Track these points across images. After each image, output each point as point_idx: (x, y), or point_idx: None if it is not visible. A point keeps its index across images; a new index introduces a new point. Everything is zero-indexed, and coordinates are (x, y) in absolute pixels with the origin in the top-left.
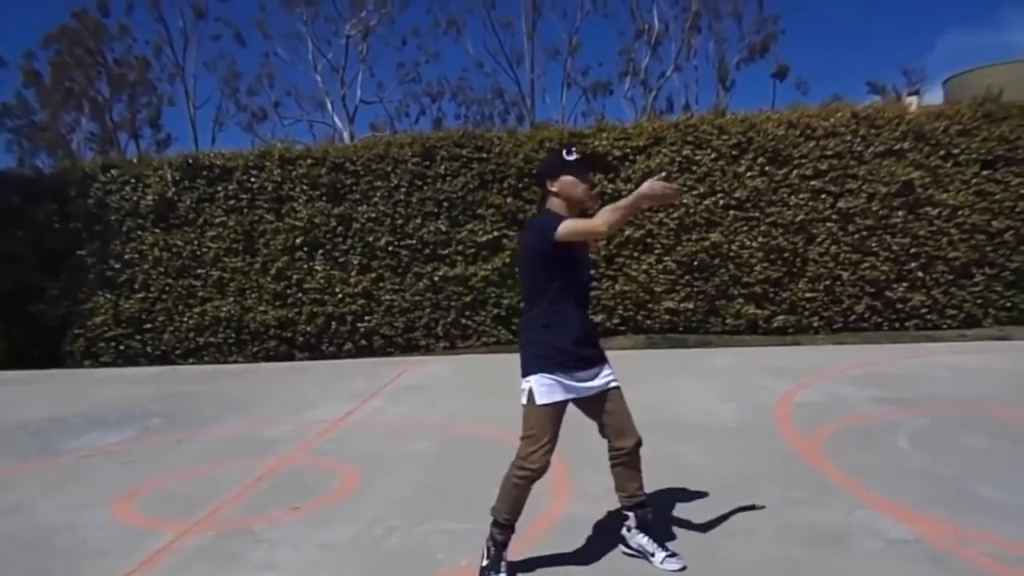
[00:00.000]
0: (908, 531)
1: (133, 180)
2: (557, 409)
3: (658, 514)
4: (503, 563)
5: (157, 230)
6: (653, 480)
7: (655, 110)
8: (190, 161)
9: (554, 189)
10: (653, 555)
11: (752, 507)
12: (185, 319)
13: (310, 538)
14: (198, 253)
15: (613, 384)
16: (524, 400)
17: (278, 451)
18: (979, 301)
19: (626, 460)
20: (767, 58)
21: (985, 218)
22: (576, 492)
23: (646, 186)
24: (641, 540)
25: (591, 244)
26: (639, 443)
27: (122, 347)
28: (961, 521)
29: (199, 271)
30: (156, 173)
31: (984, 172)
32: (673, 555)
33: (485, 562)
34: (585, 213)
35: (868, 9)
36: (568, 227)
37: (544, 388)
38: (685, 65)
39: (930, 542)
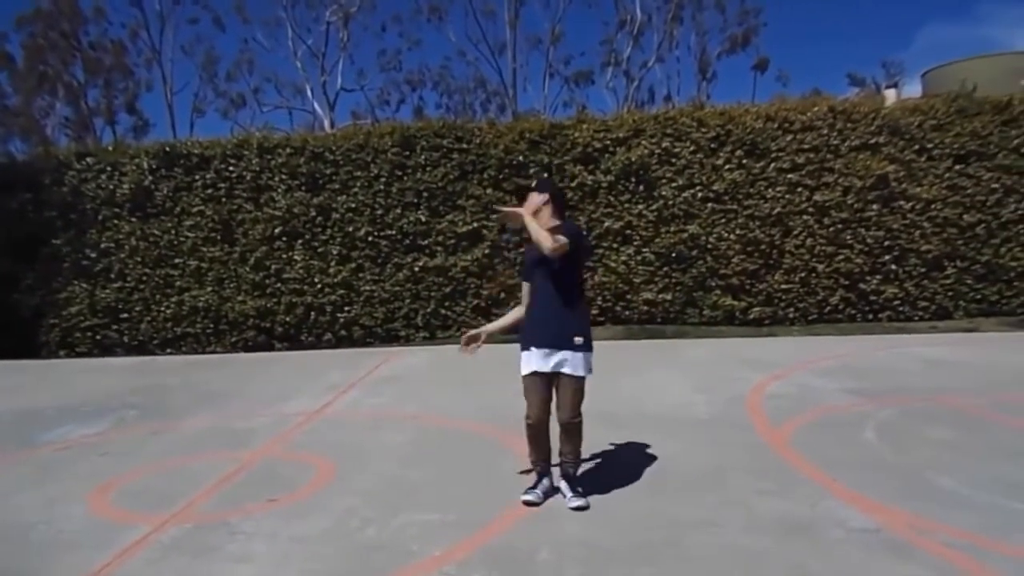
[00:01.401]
0: (870, 521)
1: (109, 168)
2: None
3: (624, 503)
4: (539, 486)
5: (134, 219)
6: (623, 470)
7: (637, 101)
8: (167, 149)
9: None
10: (565, 495)
11: (720, 499)
12: (163, 309)
13: (285, 530)
14: (175, 242)
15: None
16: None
17: (255, 443)
18: (950, 294)
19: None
20: (748, 50)
21: (957, 212)
22: None
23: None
24: (561, 485)
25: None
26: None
27: (98, 337)
28: (920, 511)
29: (177, 260)
30: (132, 161)
31: (957, 167)
32: (579, 496)
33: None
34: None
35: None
36: (554, 246)
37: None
38: (667, 56)
39: (890, 532)
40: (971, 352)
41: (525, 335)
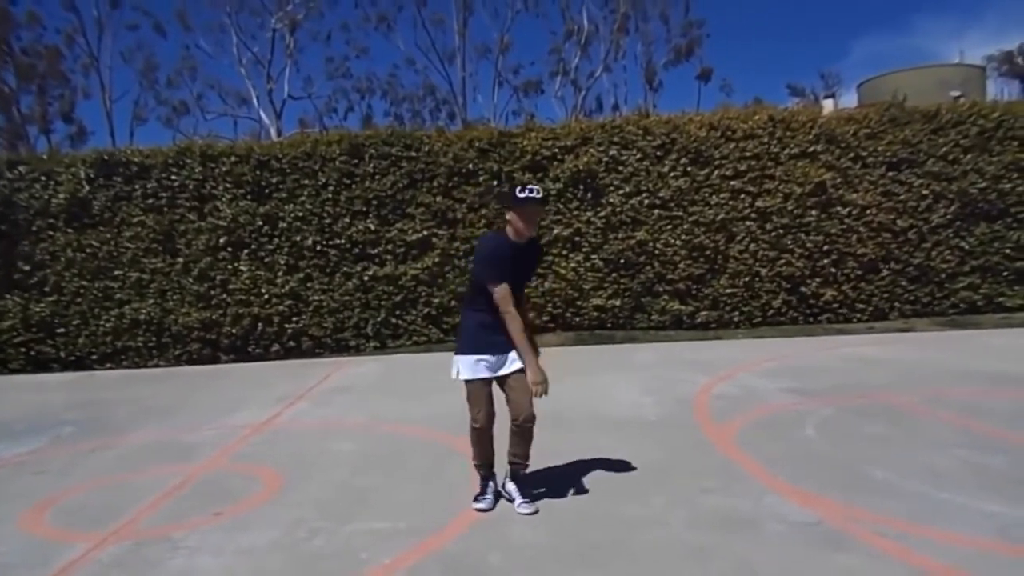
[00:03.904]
0: (809, 514)
1: (43, 178)
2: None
3: (573, 505)
4: (488, 491)
5: (70, 230)
6: (572, 472)
7: (585, 110)
8: (105, 158)
9: (507, 217)
10: (513, 500)
11: (665, 496)
12: (102, 322)
13: (231, 543)
14: (115, 254)
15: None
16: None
17: (199, 457)
18: (885, 295)
19: (514, 430)
20: (692, 61)
21: (891, 217)
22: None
23: (539, 375)
24: (509, 487)
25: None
26: (527, 419)
27: (32, 352)
28: (855, 502)
29: (116, 272)
30: (68, 170)
31: (890, 174)
32: (530, 503)
33: (477, 491)
34: (531, 238)
35: (789, 14)
36: (498, 293)
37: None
38: (614, 66)
39: (827, 523)
40: (905, 351)
41: (475, 342)
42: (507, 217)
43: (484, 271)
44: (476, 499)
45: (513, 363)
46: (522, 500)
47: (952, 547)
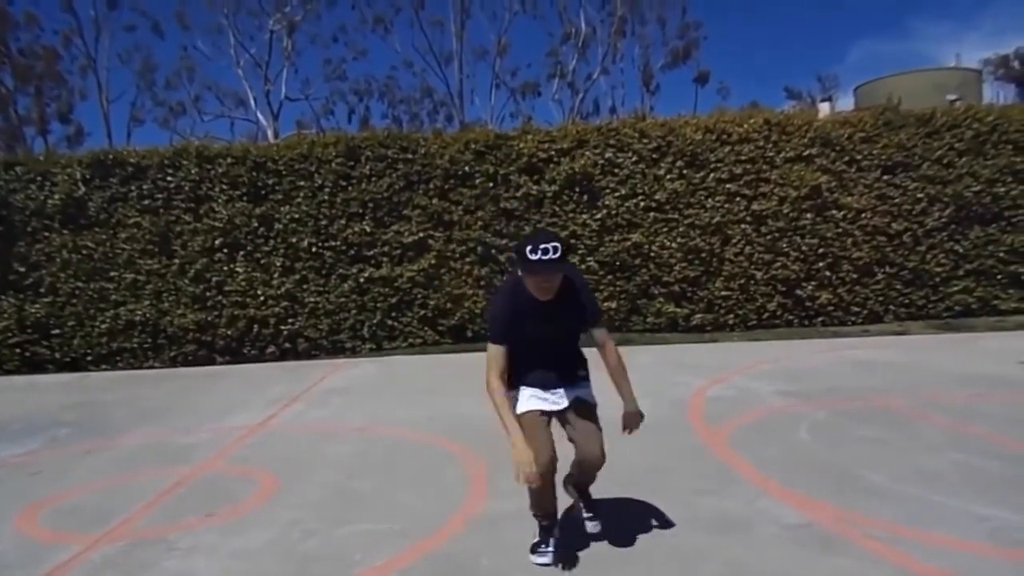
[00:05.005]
0: (801, 516)
1: (39, 179)
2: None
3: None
4: (549, 544)
5: (66, 231)
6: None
7: (582, 112)
8: (101, 158)
9: (519, 274)
10: (584, 516)
11: (657, 500)
12: (97, 323)
13: (225, 544)
14: (110, 255)
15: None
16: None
17: (194, 459)
18: (880, 298)
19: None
20: (690, 63)
21: (885, 220)
22: (491, 490)
23: (516, 455)
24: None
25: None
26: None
27: (27, 354)
28: (848, 505)
29: (112, 274)
30: (64, 171)
31: (885, 177)
32: (594, 518)
33: (535, 539)
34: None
35: (787, 17)
36: (488, 352)
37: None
38: (611, 68)
39: (820, 526)
40: (899, 354)
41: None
42: (519, 273)
43: (488, 324)
44: (534, 550)
45: (569, 397)
46: (589, 515)
47: (943, 550)
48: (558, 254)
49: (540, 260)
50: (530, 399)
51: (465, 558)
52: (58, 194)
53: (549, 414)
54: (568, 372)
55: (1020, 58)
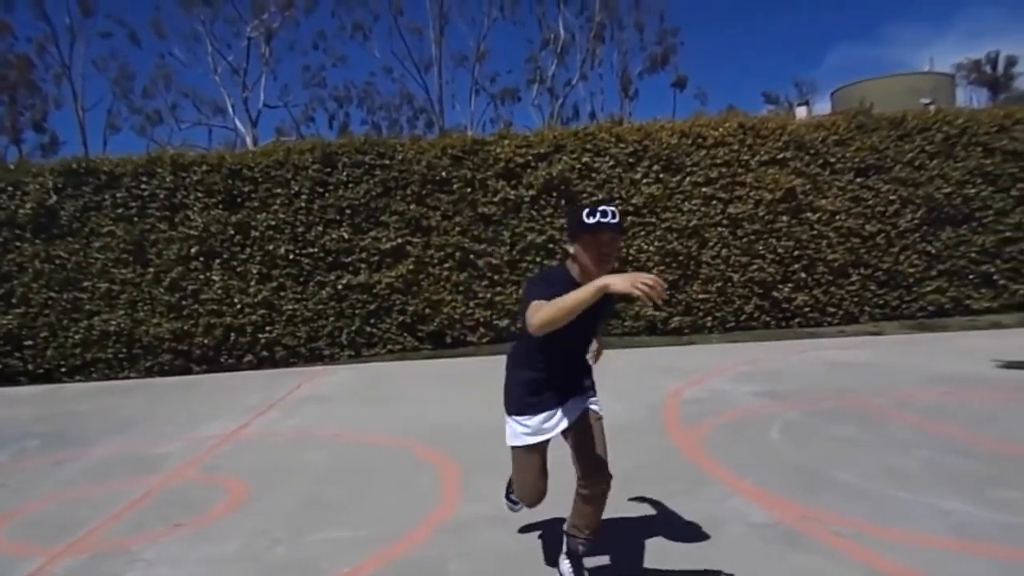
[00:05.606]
0: (770, 515)
1: (10, 188)
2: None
3: (539, 511)
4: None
5: (38, 241)
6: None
7: (562, 118)
8: (73, 167)
9: (571, 251)
10: None
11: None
12: (71, 334)
13: (190, 554)
14: (84, 264)
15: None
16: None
17: (165, 468)
18: (855, 299)
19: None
20: (668, 69)
21: (859, 222)
22: (464, 496)
23: (617, 279)
24: (564, 567)
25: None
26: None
27: None
28: (816, 504)
29: (85, 283)
30: (36, 180)
31: (858, 179)
32: None
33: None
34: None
35: (764, 23)
36: (531, 307)
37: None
38: (590, 74)
39: (787, 524)
40: (874, 354)
41: (517, 402)
42: (570, 251)
43: (527, 294)
44: (508, 496)
45: (573, 411)
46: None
47: (907, 545)
48: (618, 218)
49: (601, 222)
50: (521, 436)
51: (433, 564)
52: (30, 203)
53: (546, 441)
54: (579, 382)
55: (992, 62)
